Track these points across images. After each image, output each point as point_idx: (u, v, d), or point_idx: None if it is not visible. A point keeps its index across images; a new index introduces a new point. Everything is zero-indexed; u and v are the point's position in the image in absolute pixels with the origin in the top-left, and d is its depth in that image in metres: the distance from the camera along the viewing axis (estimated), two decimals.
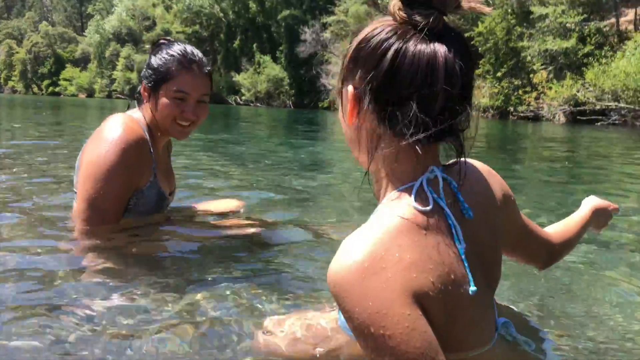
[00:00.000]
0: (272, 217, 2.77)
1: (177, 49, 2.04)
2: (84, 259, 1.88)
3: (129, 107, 2.20)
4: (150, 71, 2.03)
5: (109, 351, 1.30)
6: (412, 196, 0.96)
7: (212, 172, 4.58)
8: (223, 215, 2.58)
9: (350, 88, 1.01)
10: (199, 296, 1.64)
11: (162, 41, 2.12)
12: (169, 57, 2.01)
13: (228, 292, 1.68)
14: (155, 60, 2.03)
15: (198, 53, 2.08)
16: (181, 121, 2.04)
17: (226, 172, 4.61)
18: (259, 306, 1.60)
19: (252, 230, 2.35)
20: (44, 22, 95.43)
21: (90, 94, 71.85)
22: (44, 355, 1.27)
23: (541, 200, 4.00)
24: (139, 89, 2.12)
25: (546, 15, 26.85)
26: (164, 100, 2.01)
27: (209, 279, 1.82)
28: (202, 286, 1.74)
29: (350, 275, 0.88)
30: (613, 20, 26.89)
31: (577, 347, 1.47)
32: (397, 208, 0.95)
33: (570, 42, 25.96)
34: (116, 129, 1.93)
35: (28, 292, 1.62)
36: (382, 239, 0.91)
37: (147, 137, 2.02)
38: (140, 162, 1.99)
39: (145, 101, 2.08)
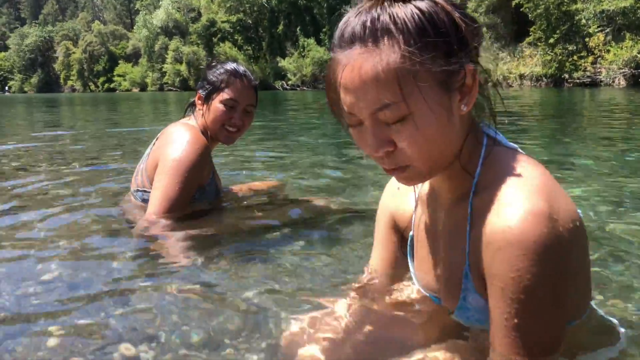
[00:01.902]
0: (310, 195, 2.88)
1: (230, 65, 2.37)
2: (152, 241, 2.07)
3: (184, 115, 2.50)
4: (205, 82, 2.35)
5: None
6: (517, 149, 1.00)
7: (257, 157, 4.69)
8: (264, 194, 2.82)
9: (469, 66, 0.91)
10: (248, 279, 1.76)
11: (216, 60, 2.44)
12: (222, 71, 2.34)
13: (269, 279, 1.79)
14: (211, 74, 2.35)
15: (247, 70, 2.40)
16: (229, 127, 2.33)
17: (267, 158, 4.71)
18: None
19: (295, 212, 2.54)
20: (96, 22, 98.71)
21: (143, 87, 73.92)
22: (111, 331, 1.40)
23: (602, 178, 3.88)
24: (192, 99, 2.45)
25: None
26: (215, 106, 2.31)
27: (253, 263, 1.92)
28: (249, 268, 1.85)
29: (556, 232, 0.83)
30: None
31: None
32: (522, 158, 0.95)
33: (629, 1, 24.48)
34: (186, 135, 2.24)
35: (96, 275, 1.77)
36: (555, 189, 0.90)
37: (205, 140, 2.29)
38: (206, 163, 2.28)
39: (198, 108, 2.38)
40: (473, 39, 0.91)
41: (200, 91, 2.36)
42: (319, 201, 2.73)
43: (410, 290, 1.25)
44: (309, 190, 3.13)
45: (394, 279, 1.29)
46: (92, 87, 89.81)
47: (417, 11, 0.86)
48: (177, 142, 2.22)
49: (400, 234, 1.28)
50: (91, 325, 1.39)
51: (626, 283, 1.68)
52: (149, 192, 2.25)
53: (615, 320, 1.12)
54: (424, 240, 1.15)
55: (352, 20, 0.89)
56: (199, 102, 2.37)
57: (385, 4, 0.87)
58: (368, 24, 0.87)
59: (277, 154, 4.88)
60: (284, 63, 52.13)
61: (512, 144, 1.02)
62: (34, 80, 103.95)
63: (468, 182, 0.98)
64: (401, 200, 1.24)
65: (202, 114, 2.35)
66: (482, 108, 1.01)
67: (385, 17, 0.86)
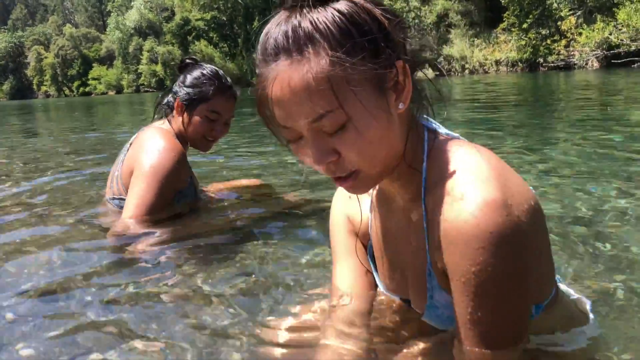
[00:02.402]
0: (291, 193, 2.86)
1: (210, 71, 2.31)
2: (130, 246, 2.05)
3: (153, 119, 2.44)
4: (186, 89, 2.28)
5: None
6: (459, 138, 0.98)
7: (238, 153, 4.67)
8: (244, 192, 2.80)
9: (399, 62, 0.88)
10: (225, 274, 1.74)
11: (188, 61, 2.38)
12: (205, 80, 2.28)
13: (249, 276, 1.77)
14: (191, 80, 2.28)
15: (228, 78, 2.35)
16: (209, 137, 2.33)
17: (252, 153, 4.69)
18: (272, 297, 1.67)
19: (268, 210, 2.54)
20: (68, 25, 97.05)
21: (119, 90, 72.94)
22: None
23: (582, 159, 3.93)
24: (166, 100, 2.38)
25: None
26: (197, 118, 2.28)
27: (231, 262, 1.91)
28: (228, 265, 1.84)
29: (512, 220, 0.82)
30: None
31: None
32: (468, 148, 0.93)
33: None
34: (161, 141, 2.20)
35: (81, 278, 1.74)
36: (505, 173, 0.88)
37: (182, 148, 2.27)
38: (182, 169, 2.26)
39: (176, 114, 2.32)
40: (399, 33, 0.88)
41: (180, 98, 2.29)
42: (296, 198, 2.73)
43: (378, 296, 1.22)
44: (285, 186, 3.11)
45: (370, 294, 1.21)
46: (67, 91, 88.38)
47: (338, 14, 0.83)
48: (152, 149, 2.19)
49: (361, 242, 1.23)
50: (66, 334, 1.37)
51: (596, 263, 1.71)
52: (125, 199, 2.23)
53: (584, 298, 1.13)
54: (383, 244, 1.13)
55: (273, 31, 0.86)
56: (178, 108, 2.31)
57: (304, 10, 0.84)
58: (290, 33, 0.83)
59: (253, 151, 4.85)
60: None
61: (453, 133, 1.01)
62: (6, 87, 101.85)
63: (417, 180, 0.96)
64: (355, 207, 1.19)
65: (182, 121, 2.31)
66: (420, 101, 0.98)
67: (306, 24, 0.83)
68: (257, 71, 0.88)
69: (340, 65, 0.81)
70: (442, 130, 1.00)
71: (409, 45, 0.93)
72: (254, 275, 1.73)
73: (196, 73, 2.31)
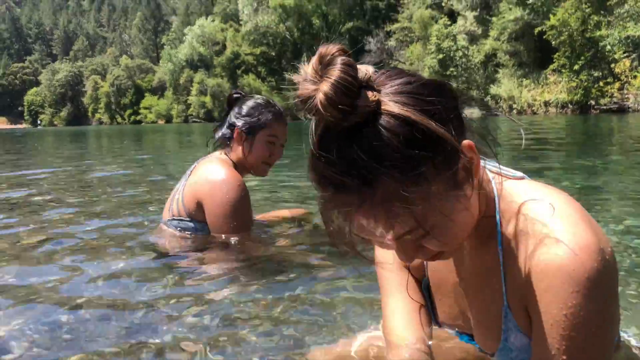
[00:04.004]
0: None
1: (264, 100, 2.45)
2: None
3: (209, 145, 2.52)
4: (244, 119, 2.39)
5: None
6: (524, 177, 0.97)
7: (279, 183, 4.67)
8: (292, 221, 2.84)
9: (465, 144, 0.83)
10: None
11: (235, 95, 2.50)
12: (262, 108, 2.40)
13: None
14: (248, 110, 2.39)
15: (281, 108, 2.46)
16: (268, 162, 2.44)
17: (293, 184, 4.70)
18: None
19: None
20: (124, 56, 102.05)
21: (169, 119, 75.54)
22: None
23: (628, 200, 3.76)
24: (221, 133, 2.44)
25: (625, 0, 25.32)
26: (259, 144, 2.38)
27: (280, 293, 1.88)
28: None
29: (605, 265, 0.82)
30: None
31: None
32: (542, 188, 0.92)
33: None
34: (224, 173, 2.31)
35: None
36: (587, 214, 0.87)
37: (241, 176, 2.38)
38: (248, 195, 2.35)
39: (235, 144, 2.41)
40: (454, 115, 0.83)
41: (238, 127, 2.38)
42: None
43: (440, 331, 1.17)
44: None
45: (427, 330, 1.15)
46: (119, 119, 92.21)
47: (394, 138, 0.75)
48: (219, 182, 2.28)
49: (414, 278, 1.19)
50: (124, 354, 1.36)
51: None
52: (186, 220, 2.37)
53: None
54: (445, 285, 1.10)
55: (325, 165, 0.78)
56: (238, 137, 2.39)
57: (350, 137, 0.77)
58: (349, 171, 0.76)
59: (302, 183, 4.85)
60: None
61: (516, 172, 0.99)
62: (64, 114, 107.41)
63: (490, 224, 0.95)
64: None
65: (242, 150, 2.39)
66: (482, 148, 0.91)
67: (364, 158, 0.75)
68: (318, 194, 0.82)
69: (414, 194, 0.77)
70: (508, 171, 0.98)
71: (462, 109, 0.87)
72: (298, 307, 1.72)
73: (251, 103, 2.41)
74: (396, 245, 0.86)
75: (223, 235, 2.32)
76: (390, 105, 0.77)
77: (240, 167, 2.41)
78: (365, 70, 0.80)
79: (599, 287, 0.81)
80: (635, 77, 24.75)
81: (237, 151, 2.41)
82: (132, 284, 1.97)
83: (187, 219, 2.36)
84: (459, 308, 1.10)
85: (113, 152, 11.91)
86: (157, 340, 1.49)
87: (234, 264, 2.17)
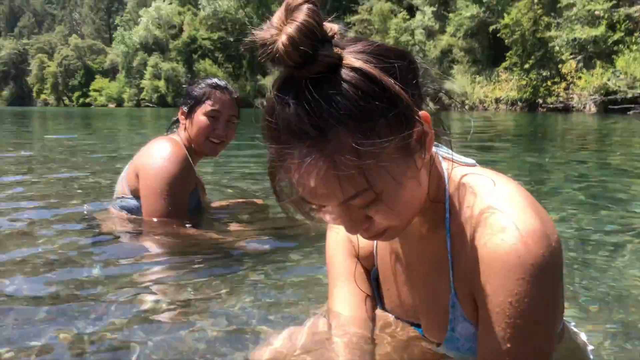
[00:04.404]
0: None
1: (211, 79, 2.42)
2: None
3: (167, 131, 2.53)
4: (187, 98, 2.40)
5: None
6: (475, 164, 0.97)
7: (241, 175, 4.65)
8: (248, 209, 2.84)
9: (421, 114, 0.83)
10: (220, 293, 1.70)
11: (197, 79, 2.50)
12: (204, 85, 2.39)
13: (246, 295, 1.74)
14: (193, 89, 2.40)
15: (228, 84, 2.44)
16: (213, 138, 2.36)
17: (253, 175, 4.68)
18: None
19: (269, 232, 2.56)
20: (74, 35, 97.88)
21: (120, 103, 73.22)
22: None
23: (568, 194, 3.94)
24: (174, 118, 2.49)
25: (574, 4, 26.28)
26: (198, 119, 2.34)
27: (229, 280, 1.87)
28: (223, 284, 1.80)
29: (551, 251, 0.82)
30: None
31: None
32: (492, 175, 0.92)
33: (600, 30, 25.34)
34: (165, 148, 2.26)
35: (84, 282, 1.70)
36: (534, 201, 0.88)
37: (187, 153, 2.33)
38: (188, 174, 2.30)
39: (182, 123, 2.41)
40: (413, 82, 0.83)
41: (182, 107, 2.40)
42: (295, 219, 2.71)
43: (387, 319, 1.16)
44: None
45: (372, 320, 1.15)
46: (67, 101, 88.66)
47: (353, 90, 0.75)
48: (157, 155, 2.25)
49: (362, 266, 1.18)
50: (62, 341, 1.34)
51: (594, 298, 1.70)
52: (128, 198, 2.33)
53: (583, 334, 1.14)
54: (394, 273, 1.09)
55: (280, 112, 0.77)
56: (182, 117, 2.40)
57: (310, 86, 0.75)
58: (305, 117, 0.75)
59: (255, 170, 4.84)
60: (264, 81, 52.29)
61: (468, 159, 0.99)
62: (6, 93, 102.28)
63: (439, 210, 0.94)
64: None
65: (185, 128, 2.38)
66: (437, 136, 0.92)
67: (322, 107, 0.74)
68: (268, 148, 0.81)
69: (365, 149, 0.76)
70: (460, 157, 0.98)
71: (422, 85, 0.88)
72: (245, 295, 1.71)
73: (198, 84, 2.43)
74: (343, 213, 0.84)
75: (156, 219, 2.21)
76: (352, 60, 0.77)
77: (190, 149, 2.37)
78: (330, 26, 0.80)
79: (545, 274, 0.81)
80: (580, 78, 25.76)
81: (183, 131, 2.40)
82: (67, 268, 1.92)
83: (129, 196, 2.33)
84: (407, 297, 1.09)
85: (58, 133, 11.49)
86: (91, 329, 1.43)
87: (176, 248, 2.13)
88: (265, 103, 0.81)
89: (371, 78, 0.76)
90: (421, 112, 0.83)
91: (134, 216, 2.32)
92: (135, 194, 2.31)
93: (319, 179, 0.77)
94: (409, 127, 0.80)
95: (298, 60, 0.75)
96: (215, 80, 2.42)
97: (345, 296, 1.15)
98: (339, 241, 1.17)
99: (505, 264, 0.81)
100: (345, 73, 0.76)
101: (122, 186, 2.39)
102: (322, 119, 0.75)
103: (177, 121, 2.47)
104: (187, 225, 2.29)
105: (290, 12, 0.75)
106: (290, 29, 0.74)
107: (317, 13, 0.76)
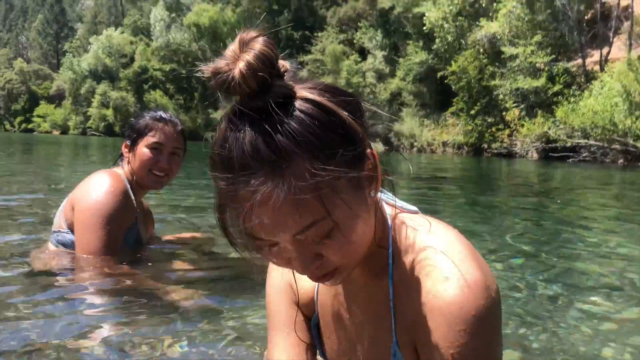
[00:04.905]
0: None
1: (156, 112, 2.38)
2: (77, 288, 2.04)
3: (114, 164, 2.45)
4: (130, 131, 2.34)
5: None
6: (417, 211, 0.97)
7: (185, 209, 4.51)
8: (191, 244, 2.80)
9: (369, 152, 0.84)
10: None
11: (142, 112, 2.45)
12: (147, 117, 2.34)
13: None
14: (136, 122, 2.36)
15: (172, 115, 2.40)
16: (156, 171, 2.30)
17: (194, 209, 4.55)
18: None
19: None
20: (19, 59, 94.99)
21: (65, 130, 71.20)
22: None
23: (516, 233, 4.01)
24: (120, 151, 2.40)
25: (516, 55, 27.76)
26: (141, 151, 2.28)
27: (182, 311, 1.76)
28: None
29: (492, 301, 0.83)
30: (580, 60, 27.94)
31: None
32: (434, 224, 0.93)
33: (540, 81, 26.81)
34: (103, 181, 2.20)
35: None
36: (474, 251, 0.88)
37: (129, 187, 2.28)
38: (126, 208, 2.23)
39: (124, 156, 2.36)
40: (361, 120, 0.83)
41: (126, 140, 2.36)
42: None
43: None
44: None
45: None
46: (8, 126, 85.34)
47: (308, 120, 0.76)
48: (94, 188, 2.19)
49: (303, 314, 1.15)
50: None
51: (537, 343, 1.73)
52: (64, 232, 2.24)
53: None
54: (335, 320, 1.06)
55: (234, 143, 0.76)
56: (125, 150, 2.34)
57: (264, 114, 0.75)
58: (261, 146, 0.74)
59: (203, 205, 4.71)
60: (215, 115, 52.14)
61: (411, 206, 0.99)
62: None
63: (382, 256, 0.93)
64: (297, 276, 1.10)
65: (128, 161, 2.31)
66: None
67: (277, 136, 0.74)
68: (218, 183, 0.79)
69: (323, 176, 0.75)
70: (403, 204, 0.98)
71: (368, 125, 0.87)
72: (182, 331, 1.67)
73: (140, 116, 2.39)
74: (295, 249, 0.80)
75: (88, 255, 2.11)
76: (306, 93, 0.78)
77: (132, 182, 2.31)
78: (283, 63, 0.80)
79: (486, 325, 0.81)
80: (522, 125, 27.01)
81: (127, 164, 2.32)
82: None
83: (65, 230, 2.23)
84: (348, 345, 1.05)
85: None
86: None
87: (110, 283, 2.05)
88: (216, 134, 0.79)
89: (326, 109, 0.77)
90: (369, 150, 0.83)
91: (68, 251, 2.22)
92: (71, 228, 2.21)
93: (275, 208, 0.75)
94: (361, 161, 0.81)
95: (254, 87, 0.75)
96: (159, 112, 2.37)
97: (286, 346, 1.12)
98: (279, 288, 1.14)
99: (447, 314, 0.82)
100: (300, 104, 0.77)
101: (58, 219, 2.30)
102: (279, 146, 0.74)
103: (120, 154, 2.41)
104: (121, 263, 2.19)
105: (245, 44, 0.76)
106: (248, 56, 0.74)
107: (273, 45, 0.77)
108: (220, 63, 0.76)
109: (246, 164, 0.75)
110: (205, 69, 0.77)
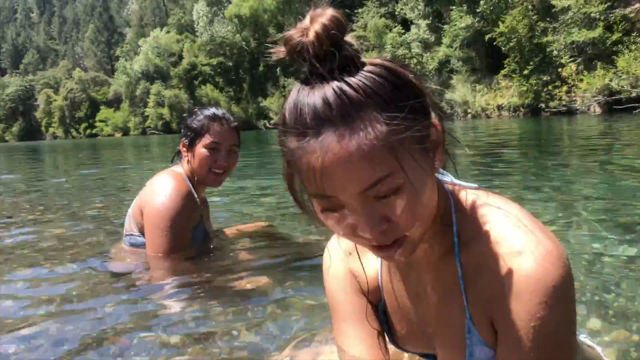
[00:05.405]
0: (298, 235, 2.88)
1: (209, 110, 2.41)
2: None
3: (172, 162, 2.53)
4: (187, 130, 2.40)
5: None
6: (477, 187, 0.96)
7: (245, 197, 4.67)
8: (253, 234, 2.85)
9: (435, 120, 0.85)
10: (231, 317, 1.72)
11: (196, 108, 2.48)
12: (202, 117, 2.38)
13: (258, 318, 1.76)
14: (192, 121, 2.40)
15: (226, 112, 2.45)
16: (215, 169, 2.37)
17: (255, 196, 4.70)
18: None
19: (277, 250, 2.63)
20: (77, 69, 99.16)
21: (126, 132, 73.73)
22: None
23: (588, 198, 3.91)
24: (177, 148, 2.49)
25: (569, 7, 26.39)
26: (199, 152, 2.35)
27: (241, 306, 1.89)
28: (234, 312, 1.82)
29: (567, 271, 0.83)
30: (638, 5, 26.18)
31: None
32: (496, 200, 0.92)
33: (597, 32, 25.38)
34: (169, 184, 2.29)
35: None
36: (541, 224, 0.88)
37: (191, 186, 2.35)
38: (191, 209, 2.32)
39: (184, 156, 2.42)
40: (425, 91, 0.84)
41: (183, 139, 2.41)
42: (305, 240, 2.75)
43: (400, 357, 1.13)
44: (293, 227, 3.11)
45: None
46: (74, 133, 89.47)
47: (376, 76, 0.78)
48: (160, 192, 2.28)
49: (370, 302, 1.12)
50: None
51: (606, 308, 1.69)
52: (136, 235, 2.36)
53: (598, 348, 1.14)
54: (403, 305, 1.06)
55: (305, 100, 0.77)
56: (184, 149, 2.42)
57: (336, 75, 0.77)
58: (331, 100, 0.75)
59: (262, 192, 4.86)
60: (265, 103, 52.64)
61: (470, 183, 0.98)
62: (15, 129, 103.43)
63: (447, 235, 0.93)
64: (356, 264, 1.09)
65: (188, 161, 2.40)
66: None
67: (347, 89, 0.76)
68: (288, 144, 0.80)
69: (395, 127, 0.76)
70: (461, 182, 0.97)
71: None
72: (257, 319, 1.74)
73: (196, 115, 2.42)
74: (362, 208, 0.79)
75: (161, 254, 2.23)
76: (372, 59, 0.80)
77: (193, 180, 2.40)
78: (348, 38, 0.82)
79: (564, 295, 0.81)
80: (581, 80, 25.74)
81: (186, 163, 2.42)
82: (83, 303, 1.95)
83: (137, 233, 2.36)
84: (419, 328, 1.05)
85: (68, 166, 11.58)
86: None
87: (188, 285, 2.13)
88: (285, 100, 0.81)
89: (393, 70, 0.79)
90: (434, 120, 0.84)
91: (141, 250, 2.35)
92: (142, 231, 2.33)
93: (345, 158, 0.75)
94: (428, 122, 0.82)
95: (328, 46, 0.76)
96: (212, 110, 2.41)
97: (357, 335, 1.11)
98: (342, 277, 1.13)
99: (525, 288, 0.81)
100: (368, 67, 0.79)
101: (129, 223, 2.43)
102: (349, 97, 0.75)
103: (178, 152, 2.50)
104: (191, 260, 2.30)
105: (315, 17, 0.78)
106: (322, 19, 0.76)
107: (342, 14, 0.79)
108: (292, 32, 0.78)
109: (317, 117, 0.76)
110: (278, 40, 0.79)
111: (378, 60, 0.80)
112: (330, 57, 0.77)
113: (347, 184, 0.76)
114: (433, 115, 0.85)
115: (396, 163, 0.76)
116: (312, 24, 0.77)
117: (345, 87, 0.76)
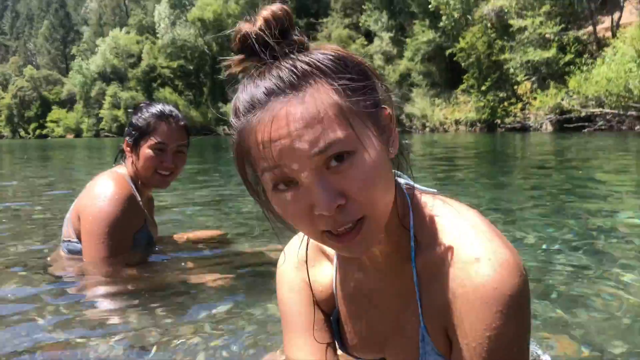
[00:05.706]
0: (251, 245, 2.79)
1: (155, 107, 2.25)
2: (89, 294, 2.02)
3: (115, 162, 2.37)
4: (131, 129, 2.23)
5: None
6: (436, 192, 0.95)
7: (199, 204, 4.51)
8: (204, 242, 2.75)
9: (387, 110, 0.85)
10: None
11: (142, 104, 2.31)
12: (148, 114, 2.22)
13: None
14: (136, 119, 2.23)
15: (174, 109, 2.28)
16: (161, 171, 2.22)
17: (209, 204, 4.55)
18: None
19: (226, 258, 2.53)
20: (29, 66, 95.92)
21: (78, 134, 72.00)
22: None
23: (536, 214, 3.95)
24: (121, 147, 2.30)
25: (525, 28, 27.38)
26: (144, 152, 2.19)
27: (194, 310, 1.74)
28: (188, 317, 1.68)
29: (524, 280, 0.81)
30: (590, 28, 27.44)
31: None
32: (455, 205, 0.91)
33: (551, 52, 26.43)
34: (107, 187, 2.13)
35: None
36: (497, 231, 0.87)
37: (134, 189, 2.21)
38: (132, 212, 2.16)
39: (127, 156, 2.26)
40: (376, 74, 0.86)
41: (127, 139, 2.24)
42: (254, 249, 2.66)
43: None
44: (248, 236, 3.00)
45: None
46: (23, 133, 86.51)
47: (329, 53, 0.80)
48: (98, 195, 2.12)
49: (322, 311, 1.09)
50: None
51: (556, 318, 1.71)
52: (74, 242, 2.19)
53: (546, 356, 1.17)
54: (357, 312, 1.03)
55: (258, 82, 0.79)
56: (127, 149, 2.25)
57: (290, 55, 0.79)
58: (284, 74, 0.77)
59: (218, 199, 4.71)
60: (226, 108, 52.05)
61: (430, 188, 0.95)
62: None
63: (404, 239, 0.90)
64: (311, 272, 1.06)
65: (132, 162, 2.23)
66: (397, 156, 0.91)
67: (300, 64, 0.78)
68: (236, 124, 0.81)
69: (346, 94, 0.77)
70: (419, 185, 0.95)
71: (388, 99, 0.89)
72: (198, 329, 1.66)
73: (141, 112, 2.24)
74: (317, 181, 0.76)
75: (97, 262, 2.08)
76: (322, 45, 0.83)
77: (137, 182, 2.24)
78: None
79: (521, 305, 0.80)
80: (535, 98, 26.69)
81: (130, 164, 2.25)
82: (15, 310, 1.81)
83: (75, 240, 2.18)
84: (372, 335, 1.03)
85: (12, 167, 11.08)
86: None
87: (121, 287, 2.04)
88: (239, 88, 0.82)
89: (343, 52, 0.82)
90: (385, 109, 0.84)
91: (78, 257, 2.18)
92: (80, 237, 2.16)
93: (295, 120, 0.74)
94: (377, 102, 0.82)
95: (276, 29, 0.79)
96: (159, 107, 2.24)
97: (305, 346, 1.07)
98: (295, 287, 1.09)
99: (481, 296, 0.79)
100: (317, 51, 0.81)
101: (67, 228, 2.25)
102: (300, 72, 0.77)
103: (121, 151, 2.32)
104: (130, 266, 2.16)
105: (263, 8, 0.81)
106: (270, 7, 0.80)
107: (288, 6, 0.82)
108: (242, 24, 0.81)
109: (268, 92, 0.77)
110: (227, 33, 0.82)
111: (327, 45, 0.82)
112: (279, 40, 0.79)
113: (296, 146, 0.75)
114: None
115: (349, 128, 0.76)
116: (260, 14, 0.80)
117: (296, 62, 0.78)
